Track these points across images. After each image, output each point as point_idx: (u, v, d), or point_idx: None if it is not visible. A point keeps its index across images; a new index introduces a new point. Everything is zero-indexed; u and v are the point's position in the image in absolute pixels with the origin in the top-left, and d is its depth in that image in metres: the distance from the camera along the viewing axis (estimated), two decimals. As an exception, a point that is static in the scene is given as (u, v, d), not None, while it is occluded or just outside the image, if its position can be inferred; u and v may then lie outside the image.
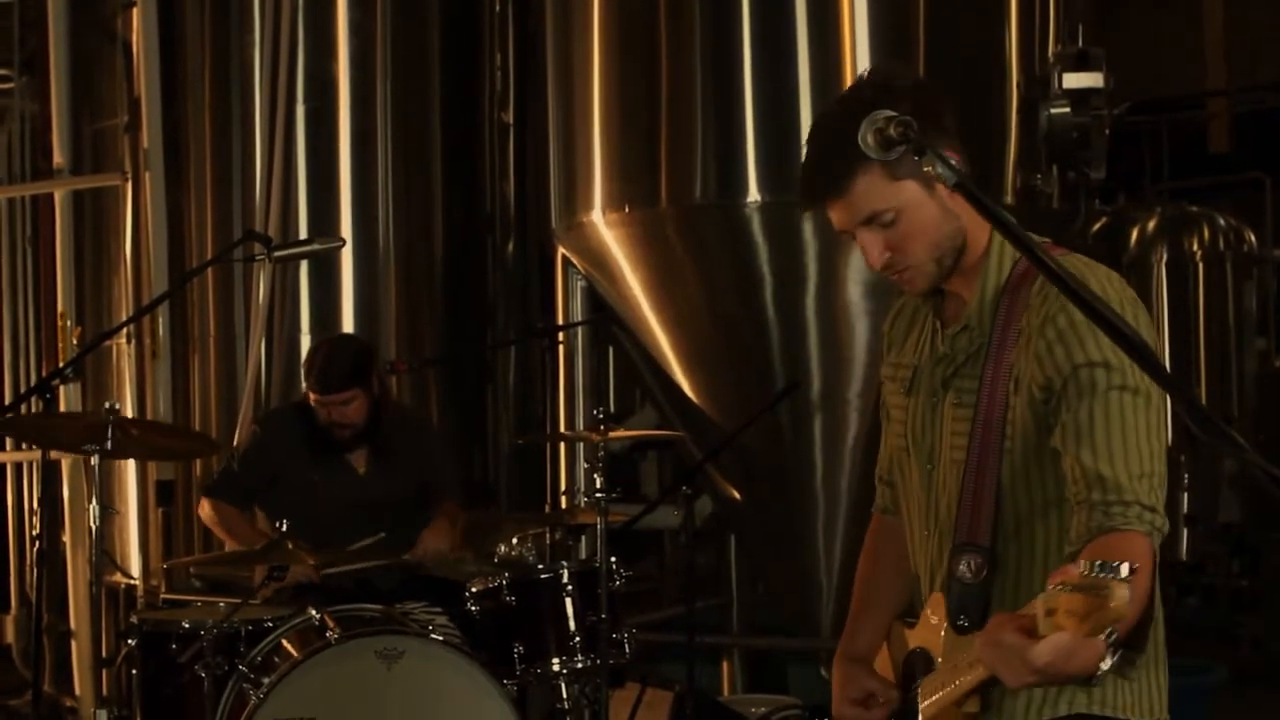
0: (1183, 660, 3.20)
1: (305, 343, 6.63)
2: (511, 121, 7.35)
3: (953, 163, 2.29)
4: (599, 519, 4.86)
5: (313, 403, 5.41)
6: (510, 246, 7.33)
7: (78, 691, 7.34)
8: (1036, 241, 2.35)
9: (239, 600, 4.97)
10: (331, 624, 4.66)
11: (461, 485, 6.07)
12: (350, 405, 5.36)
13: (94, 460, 4.62)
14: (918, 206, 2.50)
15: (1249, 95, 12.27)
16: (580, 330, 6.53)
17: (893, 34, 5.71)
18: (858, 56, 5.66)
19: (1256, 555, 10.09)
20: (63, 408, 6.90)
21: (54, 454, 6.59)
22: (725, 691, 6.60)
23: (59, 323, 7.31)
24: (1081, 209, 6.38)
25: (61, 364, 6.48)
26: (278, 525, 4.91)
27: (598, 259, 6.14)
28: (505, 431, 7.24)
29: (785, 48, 5.69)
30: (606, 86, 6.04)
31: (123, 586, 7.13)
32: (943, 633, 2.53)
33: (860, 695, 2.75)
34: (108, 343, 6.96)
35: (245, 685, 4.61)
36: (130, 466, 7.02)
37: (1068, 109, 5.87)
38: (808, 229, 5.64)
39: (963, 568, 2.49)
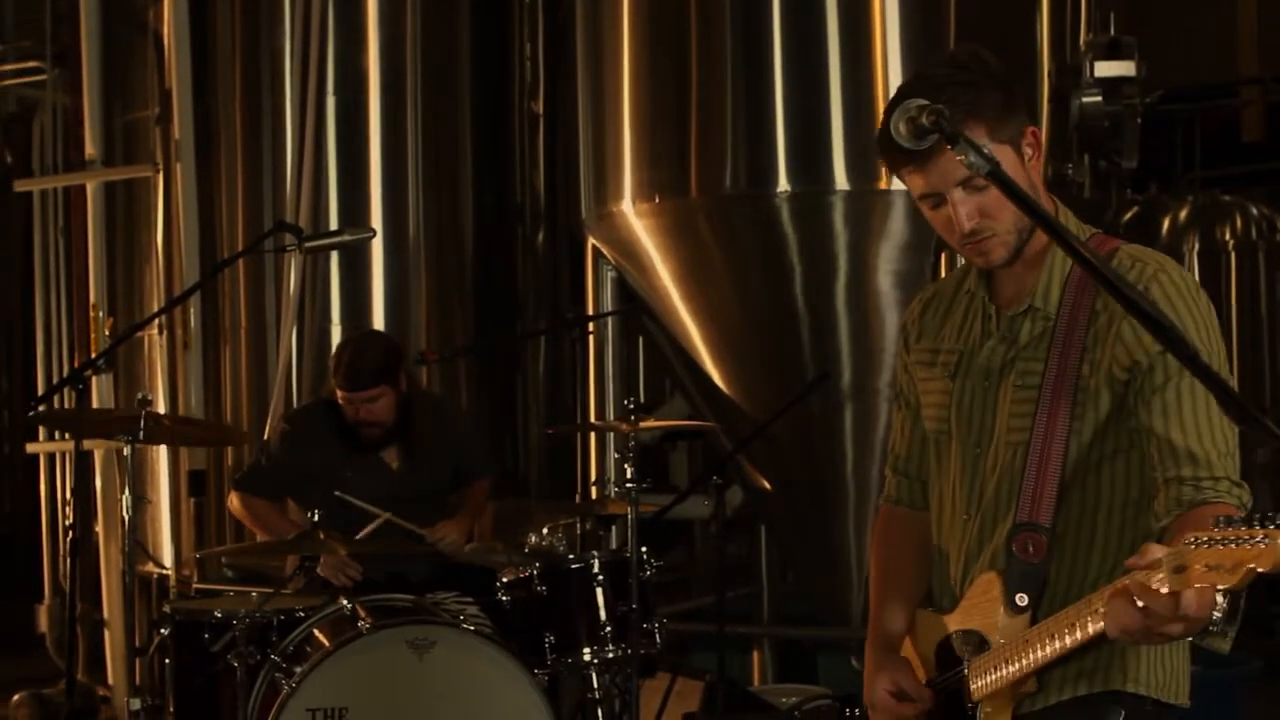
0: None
1: (336, 333, 6.65)
2: (541, 112, 7.35)
3: (986, 151, 2.30)
4: (629, 509, 4.87)
5: (340, 400, 5.36)
6: (540, 237, 7.34)
7: (111, 681, 7.38)
8: (1073, 233, 2.37)
9: (271, 590, 4.99)
10: (363, 614, 4.67)
11: (493, 460, 6.07)
12: (378, 403, 5.32)
13: (126, 450, 4.64)
14: (1012, 173, 2.46)
15: (1282, 83, 12.18)
16: (610, 320, 6.52)
17: (924, 22, 5.69)
18: (889, 46, 5.64)
19: (1290, 546, 10.01)
20: (95, 398, 6.94)
21: (87, 444, 6.63)
22: (755, 681, 6.59)
23: (91, 314, 7.34)
24: (1113, 198, 6.36)
25: (94, 355, 6.55)
26: (310, 515, 4.93)
27: (628, 249, 6.13)
28: (535, 422, 7.25)
29: (816, 37, 5.67)
30: (636, 76, 6.04)
31: (155, 576, 7.18)
32: (1001, 611, 2.53)
33: (893, 688, 2.74)
34: (139, 334, 7.00)
35: (277, 675, 4.63)
36: (162, 457, 7.05)
37: (1100, 98, 5.86)
38: (838, 219, 5.63)
39: (1025, 547, 2.51)
